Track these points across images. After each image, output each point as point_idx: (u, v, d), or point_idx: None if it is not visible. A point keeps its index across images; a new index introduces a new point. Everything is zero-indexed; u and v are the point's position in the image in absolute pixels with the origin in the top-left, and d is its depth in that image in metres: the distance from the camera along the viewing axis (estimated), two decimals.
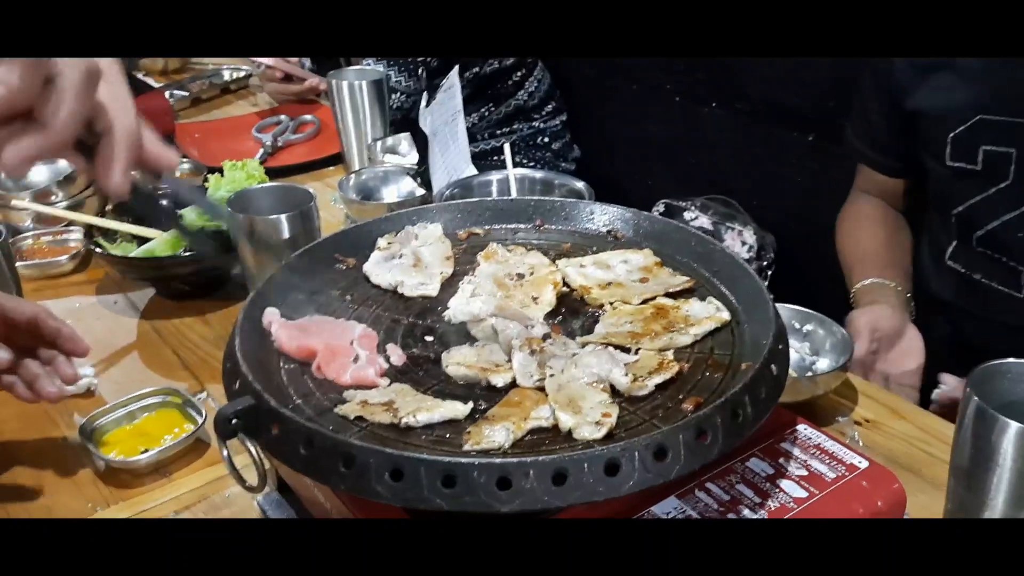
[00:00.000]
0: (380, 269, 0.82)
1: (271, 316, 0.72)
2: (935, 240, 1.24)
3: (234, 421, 0.60)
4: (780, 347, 0.66)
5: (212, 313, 1.16)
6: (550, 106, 2.05)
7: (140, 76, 1.97)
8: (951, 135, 1.11)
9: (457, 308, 0.76)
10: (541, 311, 0.76)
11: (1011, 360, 0.70)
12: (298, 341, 0.70)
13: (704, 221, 1.82)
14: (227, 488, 0.85)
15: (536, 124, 2.03)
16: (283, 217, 1.01)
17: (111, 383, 1.03)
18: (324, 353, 0.68)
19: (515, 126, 2.02)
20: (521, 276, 0.80)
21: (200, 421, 0.91)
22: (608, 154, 2.16)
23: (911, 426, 0.89)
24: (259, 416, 0.60)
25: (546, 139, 2.04)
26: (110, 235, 1.20)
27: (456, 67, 1.25)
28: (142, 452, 0.88)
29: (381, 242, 0.85)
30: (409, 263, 0.82)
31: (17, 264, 1.17)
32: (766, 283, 1.88)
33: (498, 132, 2.01)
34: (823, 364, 0.94)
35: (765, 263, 1.77)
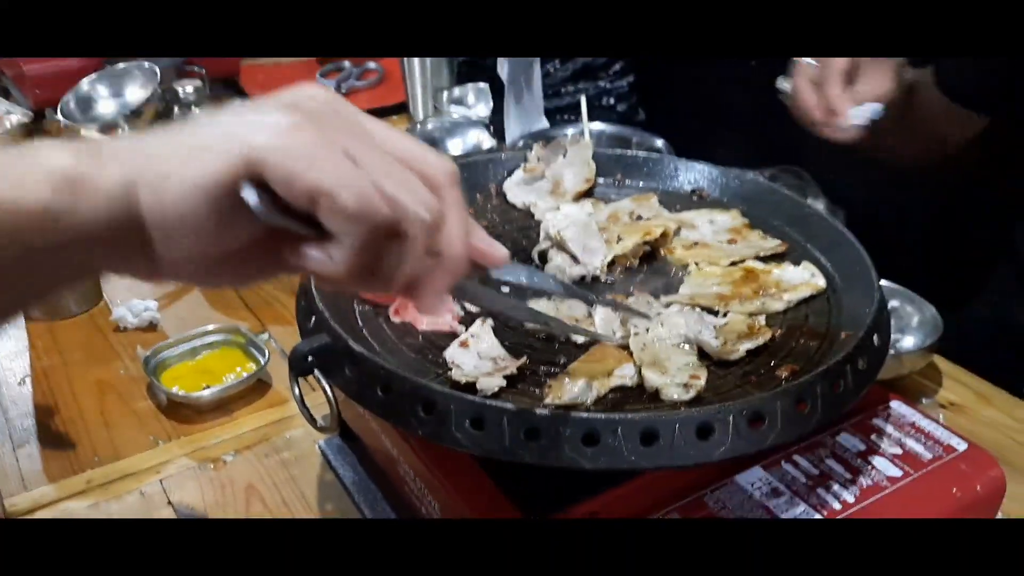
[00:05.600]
0: (519, 189, 0.84)
1: None
2: None
3: (310, 359, 0.59)
4: (883, 317, 0.62)
5: None
6: (618, 66, 1.99)
7: None
8: None
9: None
10: (612, 252, 0.73)
11: None
12: None
13: None
14: (288, 430, 0.84)
15: (602, 84, 1.97)
16: None
17: (173, 319, 1.02)
18: (403, 300, 0.66)
19: (581, 85, 1.96)
20: (639, 218, 0.78)
21: (263, 361, 0.90)
22: (674, 120, 2.09)
23: (1001, 413, 0.84)
24: (335, 355, 0.58)
25: (611, 100, 1.98)
26: None
27: None
28: (204, 388, 0.88)
29: (531, 158, 0.85)
30: (547, 189, 0.83)
31: None
32: None
33: (562, 91, 1.96)
34: (909, 342, 0.90)
35: None
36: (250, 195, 0.36)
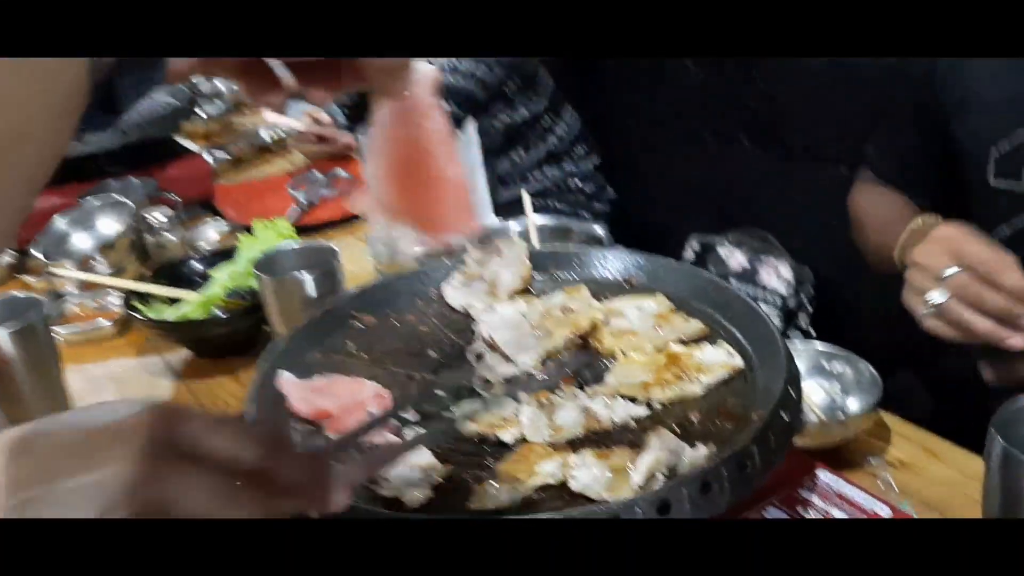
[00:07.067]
0: (457, 292, 0.87)
1: (284, 379, 0.73)
2: None
3: None
4: (792, 393, 0.65)
5: (243, 371, 1.18)
6: (580, 150, 2.06)
7: (181, 140, 2.04)
8: (995, 153, 1.05)
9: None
10: (543, 347, 0.76)
11: None
12: (311, 403, 0.71)
13: (739, 256, 1.80)
14: None
15: (567, 168, 2.04)
16: (307, 276, 1.03)
17: None
18: (338, 414, 0.69)
19: (546, 170, 2.03)
20: (571, 311, 0.81)
21: None
22: (643, 195, 2.16)
23: (947, 468, 0.85)
24: None
25: (578, 183, 2.05)
26: (146, 298, 1.24)
27: (473, 122, 1.27)
28: None
29: (469, 262, 0.89)
30: (483, 290, 0.87)
31: (60, 328, 1.22)
32: (808, 319, 1.85)
33: (529, 178, 2.03)
34: (854, 404, 0.92)
35: (805, 298, 1.74)
36: None
